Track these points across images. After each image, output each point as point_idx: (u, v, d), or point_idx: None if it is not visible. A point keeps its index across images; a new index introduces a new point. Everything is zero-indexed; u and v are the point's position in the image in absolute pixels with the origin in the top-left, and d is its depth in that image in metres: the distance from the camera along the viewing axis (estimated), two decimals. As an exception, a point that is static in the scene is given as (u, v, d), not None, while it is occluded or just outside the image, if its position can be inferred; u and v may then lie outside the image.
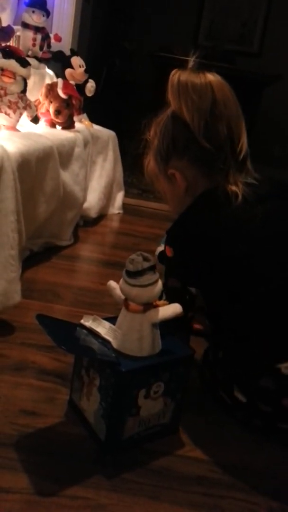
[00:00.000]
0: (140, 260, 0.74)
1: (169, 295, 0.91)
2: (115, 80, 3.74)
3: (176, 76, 0.91)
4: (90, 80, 2.04)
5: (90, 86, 2.03)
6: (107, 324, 0.79)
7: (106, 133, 2.05)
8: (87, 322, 0.79)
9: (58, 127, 1.68)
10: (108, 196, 2.07)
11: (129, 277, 0.74)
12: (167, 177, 0.92)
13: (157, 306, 0.77)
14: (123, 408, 0.71)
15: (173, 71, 0.92)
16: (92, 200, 1.89)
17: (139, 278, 0.73)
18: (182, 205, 0.91)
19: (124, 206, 2.24)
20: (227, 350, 0.86)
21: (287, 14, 3.55)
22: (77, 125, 1.79)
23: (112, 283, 0.81)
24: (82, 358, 0.79)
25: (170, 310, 0.77)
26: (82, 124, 1.91)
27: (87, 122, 2.00)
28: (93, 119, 2.15)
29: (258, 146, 3.98)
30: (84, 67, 1.99)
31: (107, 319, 0.81)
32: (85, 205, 1.83)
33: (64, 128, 1.68)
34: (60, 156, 1.44)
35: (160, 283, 0.75)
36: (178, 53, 3.98)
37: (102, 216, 2.06)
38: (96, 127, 2.04)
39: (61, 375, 0.90)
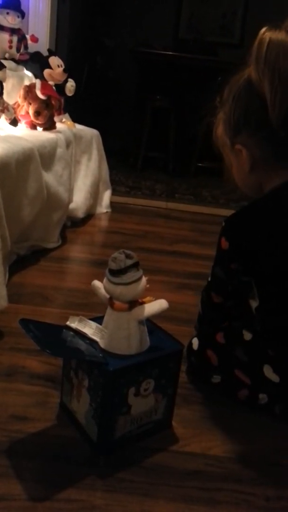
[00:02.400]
0: (123, 258, 0.73)
1: (213, 285, 0.90)
2: (98, 78, 3.72)
3: (266, 36, 0.70)
4: (70, 80, 2.02)
5: (70, 85, 2.01)
6: (93, 324, 0.79)
7: (89, 132, 2.04)
8: (73, 323, 0.78)
9: (39, 129, 1.67)
10: (95, 196, 2.06)
11: (112, 276, 0.73)
12: (232, 149, 0.84)
13: (143, 302, 0.77)
14: (113, 407, 0.71)
15: (263, 30, 0.72)
16: (79, 200, 1.88)
17: (122, 276, 0.73)
18: (245, 182, 0.87)
19: (112, 204, 2.23)
20: (265, 329, 0.85)
21: (266, 3, 3.53)
22: (59, 125, 1.77)
23: (96, 283, 0.80)
24: (71, 360, 0.78)
25: (156, 306, 0.77)
26: (63, 124, 1.90)
27: (69, 122, 1.99)
28: (77, 118, 2.14)
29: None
30: (63, 67, 1.97)
31: (93, 319, 0.80)
32: (72, 205, 1.82)
33: (45, 129, 1.67)
34: (41, 157, 1.43)
35: (144, 279, 0.75)
36: (158, 48, 4.00)
37: (90, 215, 2.05)
38: (79, 126, 2.03)
39: (52, 378, 0.89)
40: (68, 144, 1.71)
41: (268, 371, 0.83)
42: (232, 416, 0.85)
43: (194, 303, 1.32)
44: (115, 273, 0.73)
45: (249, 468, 0.74)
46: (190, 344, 0.95)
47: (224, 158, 0.90)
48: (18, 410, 0.81)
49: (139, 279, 0.74)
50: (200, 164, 3.41)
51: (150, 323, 0.82)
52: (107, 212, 2.16)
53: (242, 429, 0.82)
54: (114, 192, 2.36)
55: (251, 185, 0.88)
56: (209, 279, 0.90)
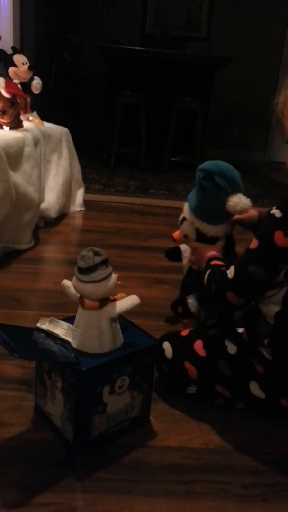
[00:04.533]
0: (91, 255, 0.72)
1: (238, 286, 0.77)
2: (66, 76, 3.68)
3: None
4: (36, 77, 1.99)
5: (36, 83, 1.98)
6: (65, 324, 0.77)
7: (58, 130, 2.01)
8: (44, 324, 0.77)
9: (6, 128, 1.64)
10: (67, 194, 2.03)
11: (82, 274, 0.72)
12: None
13: (114, 299, 0.76)
14: (88, 407, 0.70)
15: None
16: (51, 199, 1.86)
17: (91, 274, 0.72)
18: None
19: (86, 202, 2.22)
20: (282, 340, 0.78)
21: (230, -4, 3.56)
22: (26, 124, 1.74)
23: (66, 282, 0.79)
24: (43, 362, 0.77)
25: (127, 302, 0.76)
26: (31, 123, 1.87)
27: (37, 120, 1.96)
28: (47, 118, 2.10)
29: (216, 129, 3.99)
30: (28, 64, 1.94)
31: (65, 319, 0.79)
32: (44, 205, 1.79)
33: (11, 128, 1.63)
34: (8, 157, 1.40)
35: (113, 276, 0.74)
36: (125, 43, 3.95)
37: (63, 215, 2.02)
38: (48, 124, 2.00)
39: (26, 382, 0.88)
40: (36, 143, 1.68)
41: (254, 388, 0.79)
42: (209, 408, 0.85)
43: (169, 297, 1.32)
44: (84, 271, 0.72)
45: (226, 458, 0.74)
46: (161, 349, 0.87)
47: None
48: (-8, 416, 0.79)
49: (109, 276, 0.73)
50: (172, 159, 3.41)
51: (124, 319, 0.82)
52: (80, 210, 2.14)
53: (219, 420, 0.83)
54: (87, 190, 2.34)
55: None
56: (230, 277, 0.77)
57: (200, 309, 1.01)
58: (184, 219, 1.00)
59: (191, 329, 0.92)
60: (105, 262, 0.73)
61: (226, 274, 0.78)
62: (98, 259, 0.72)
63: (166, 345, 0.87)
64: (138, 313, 1.16)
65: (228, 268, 0.79)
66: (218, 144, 3.87)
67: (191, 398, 0.86)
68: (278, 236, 0.71)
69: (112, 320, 0.75)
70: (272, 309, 0.78)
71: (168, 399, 0.87)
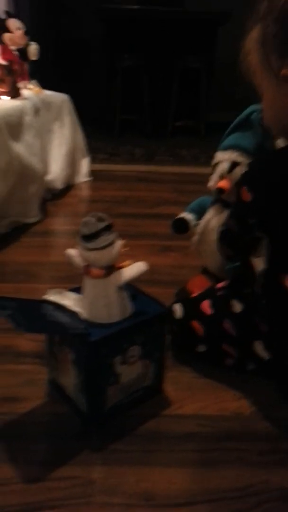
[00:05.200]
0: (94, 221, 0.69)
1: (227, 239, 0.83)
2: (64, 42, 3.54)
3: None
4: (32, 43, 1.90)
5: (33, 48, 1.90)
6: (73, 295, 0.75)
7: (58, 98, 1.94)
8: (52, 296, 0.74)
9: (4, 97, 1.58)
10: (72, 165, 1.98)
11: (85, 241, 0.69)
12: (275, 77, 0.66)
13: (121, 267, 0.73)
14: (100, 378, 0.68)
15: None
16: (55, 170, 1.81)
17: (95, 240, 0.68)
18: (280, 118, 0.71)
19: (92, 172, 2.16)
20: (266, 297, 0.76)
21: None
22: (24, 92, 1.68)
23: (70, 251, 0.76)
24: (54, 334, 0.75)
25: (134, 269, 0.73)
26: (30, 91, 1.80)
27: (36, 88, 1.88)
28: (48, 86, 2.02)
29: (219, 90, 3.83)
30: (23, 29, 1.85)
31: (73, 289, 0.77)
32: (49, 177, 1.75)
33: (9, 97, 1.57)
34: (8, 127, 1.35)
35: (118, 242, 0.71)
36: (122, 3, 3.77)
37: (69, 186, 1.98)
38: (47, 92, 1.93)
39: (39, 355, 0.86)
40: (36, 111, 1.62)
41: (258, 348, 0.77)
42: (224, 374, 0.83)
43: (178, 265, 1.29)
44: (88, 238, 0.68)
45: (242, 425, 0.72)
46: (171, 311, 0.89)
47: (255, 86, 0.74)
48: (7, 391, 0.78)
49: (113, 242, 0.69)
50: (177, 123, 3.31)
51: (132, 288, 0.79)
52: (87, 181, 2.09)
53: (234, 386, 0.81)
54: (93, 160, 2.28)
55: None
56: (222, 229, 0.84)
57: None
58: (234, 165, 0.97)
59: (202, 290, 0.90)
60: (108, 228, 0.70)
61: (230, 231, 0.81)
62: (101, 225, 0.69)
63: (177, 307, 0.89)
64: (147, 282, 1.13)
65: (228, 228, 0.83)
66: (222, 106, 3.73)
67: (202, 360, 0.85)
68: (244, 191, 0.72)
69: (120, 288, 0.72)
70: (257, 265, 0.78)
71: (181, 367, 0.85)
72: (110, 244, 0.69)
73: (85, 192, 2.01)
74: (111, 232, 0.70)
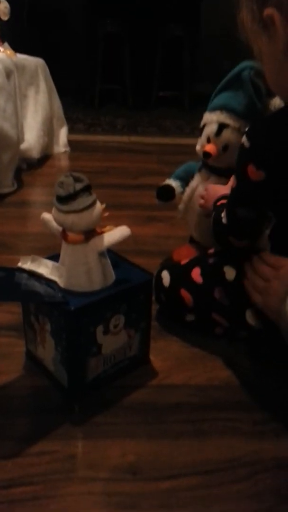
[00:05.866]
0: (71, 181, 0.63)
1: (234, 230, 0.71)
2: (41, 1, 3.34)
3: None
4: (2, 1, 1.78)
5: (4, 7, 1.77)
6: (49, 262, 0.69)
7: (33, 62, 1.83)
8: (25, 264, 0.69)
9: (-27, 59, 1.47)
10: (49, 133, 1.89)
11: (61, 204, 0.63)
12: (262, 24, 0.60)
13: (102, 233, 0.68)
14: (81, 349, 0.63)
15: None
16: (31, 138, 1.72)
17: (72, 202, 0.62)
18: (279, 71, 0.62)
19: (71, 143, 2.07)
20: None
21: None
22: (-4, 54, 1.57)
23: (45, 215, 0.70)
24: (29, 305, 0.70)
25: (117, 234, 0.68)
26: (2, 54, 1.68)
27: (8, 51, 1.77)
28: (21, 48, 1.90)
29: (205, 59, 3.72)
30: (-9, -15, 1.72)
31: (49, 257, 0.71)
32: (24, 145, 1.66)
33: (-21, 58, 1.47)
34: (-23, 89, 1.26)
35: (99, 205, 0.65)
36: None
37: (46, 156, 1.89)
38: (21, 56, 1.81)
39: (15, 327, 0.81)
40: (8, 74, 1.52)
41: (250, 317, 0.72)
42: (212, 343, 0.80)
43: (164, 235, 1.25)
44: (64, 199, 0.62)
45: (234, 394, 0.69)
46: (159, 278, 0.84)
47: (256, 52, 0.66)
48: (-20, 365, 0.73)
49: (93, 204, 0.64)
50: (160, 94, 3.21)
51: (115, 255, 0.74)
52: (65, 151, 2.01)
53: (224, 354, 0.77)
54: (72, 131, 2.19)
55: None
56: (225, 222, 0.71)
57: None
58: (222, 127, 0.91)
59: (191, 258, 0.85)
60: (87, 189, 0.64)
61: (221, 219, 0.71)
62: (79, 186, 0.63)
63: (165, 274, 0.84)
64: (132, 252, 1.08)
65: (223, 211, 0.71)
66: (208, 77, 3.62)
67: (191, 330, 0.81)
68: (251, 170, 0.62)
69: (101, 254, 0.66)
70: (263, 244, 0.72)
71: (168, 336, 0.81)
72: (90, 206, 0.63)
73: (63, 163, 1.93)
74: (90, 193, 0.64)
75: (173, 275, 0.83)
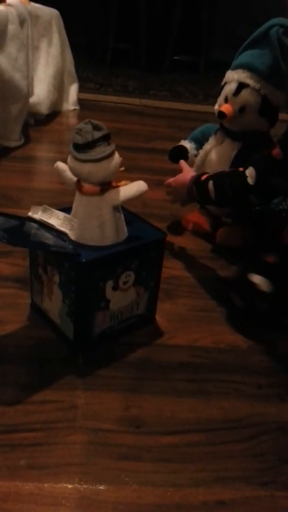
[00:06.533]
0: (90, 129, 0.60)
1: (265, 193, 0.76)
2: None
3: None
4: None
5: None
6: (61, 214, 0.67)
7: (47, 12, 1.74)
8: (36, 214, 0.67)
9: (-15, 1, 1.39)
10: (59, 89, 1.82)
11: (79, 152, 0.60)
12: None
13: (117, 187, 0.65)
14: (89, 303, 0.62)
15: None
16: (41, 93, 1.66)
17: (90, 151, 0.60)
18: None
19: (81, 102, 2.00)
20: None
21: None
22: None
23: (60, 164, 0.68)
24: (38, 255, 0.68)
25: (133, 188, 0.66)
26: (16, -1, 1.60)
27: (22, -3, 1.68)
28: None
29: (222, 26, 3.55)
30: None
31: (61, 209, 0.69)
32: (33, 99, 1.60)
33: (-9, 1, 1.39)
34: (-11, 33, 1.20)
35: (117, 156, 0.63)
36: None
37: (55, 113, 1.83)
38: (35, 4, 1.72)
39: (21, 280, 0.80)
40: (22, 22, 1.45)
41: None
42: (219, 308, 0.79)
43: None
44: (82, 147, 0.60)
45: (239, 358, 0.69)
46: (251, 283, 0.73)
47: None
48: (-16, 313, 0.72)
49: (111, 154, 0.61)
50: (175, 58, 3.09)
51: (129, 212, 0.72)
52: (74, 109, 1.94)
53: (231, 320, 0.77)
54: (82, 89, 2.11)
55: None
56: (252, 182, 0.75)
57: None
58: (242, 87, 0.88)
59: (272, 255, 0.78)
60: (106, 138, 0.61)
61: (246, 179, 0.75)
62: (97, 134, 0.60)
63: (258, 278, 0.74)
64: (141, 215, 1.06)
65: (245, 172, 0.75)
66: (225, 44, 3.48)
67: (201, 300, 0.80)
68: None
69: (116, 209, 0.64)
70: None
71: (175, 299, 0.80)
72: (108, 156, 0.61)
73: (72, 121, 1.87)
74: (109, 143, 0.61)
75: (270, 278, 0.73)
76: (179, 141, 1.09)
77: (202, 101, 2.38)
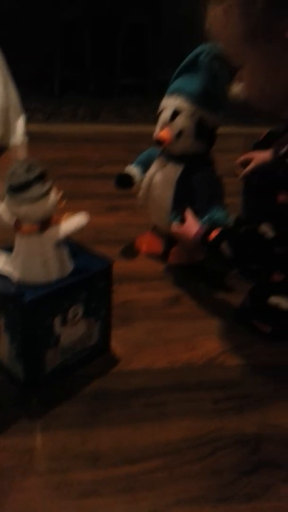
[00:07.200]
0: (24, 170, 0.62)
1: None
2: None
3: None
4: None
5: None
6: (2, 254, 0.68)
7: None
8: (-23, 257, 0.67)
9: None
10: (5, 124, 1.83)
11: (14, 194, 0.61)
12: (267, 41, 0.61)
13: (58, 221, 0.66)
14: (37, 342, 0.63)
15: None
16: (-13, 130, 1.66)
17: (26, 192, 0.61)
18: (274, 83, 0.66)
19: (30, 133, 2.01)
20: None
21: None
22: None
23: (-2, 206, 0.68)
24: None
25: (74, 222, 0.67)
26: None
27: None
28: None
29: (170, 49, 3.69)
30: None
31: (4, 248, 0.69)
32: (-20, 137, 1.60)
33: None
34: None
35: (54, 193, 0.64)
36: None
37: (2, 148, 1.84)
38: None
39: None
40: None
41: None
42: (173, 327, 0.81)
43: (125, 223, 1.24)
44: (17, 189, 0.61)
45: (195, 375, 0.71)
46: (272, 306, 0.77)
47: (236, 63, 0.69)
48: None
49: (48, 193, 0.63)
50: (123, 82, 3.17)
51: (74, 244, 0.73)
52: (23, 142, 1.95)
53: (185, 337, 0.79)
54: (30, 121, 2.12)
55: (285, 93, 0.66)
56: (272, 234, 0.71)
57: None
58: (177, 113, 0.91)
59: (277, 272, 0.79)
60: (41, 177, 0.62)
61: (263, 235, 0.71)
62: (32, 175, 0.61)
63: (277, 300, 0.78)
64: (94, 241, 1.07)
65: (260, 229, 0.71)
66: (171, 63, 3.59)
67: (156, 321, 0.82)
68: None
69: (58, 244, 0.66)
70: None
71: (130, 323, 0.82)
72: (44, 195, 0.62)
73: (21, 154, 1.88)
74: (45, 181, 0.63)
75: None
76: (131, 163, 1.11)
77: (152, 122, 2.43)
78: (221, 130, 0.97)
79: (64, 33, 2.98)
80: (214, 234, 0.79)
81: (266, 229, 0.70)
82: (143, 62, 3.17)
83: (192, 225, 0.86)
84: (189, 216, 0.88)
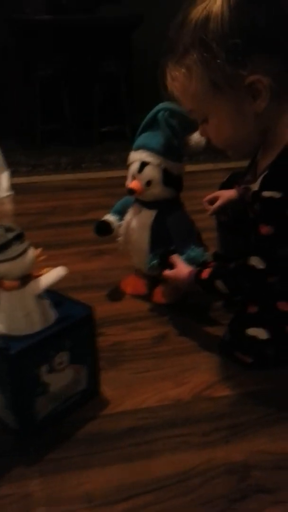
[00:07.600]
0: (2, 232, 0.67)
1: (278, 267, 0.75)
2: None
3: None
4: None
5: None
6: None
7: None
8: None
9: None
10: (-9, 181, 1.92)
11: (-5, 253, 0.66)
12: (232, 90, 0.67)
13: (38, 275, 0.71)
14: (26, 391, 0.66)
15: None
16: (-28, 188, 1.74)
17: (5, 252, 0.66)
18: (246, 133, 0.72)
19: (14, 186, 2.10)
20: None
21: None
22: None
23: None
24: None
25: (52, 275, 0.71)
26: None
27: None
28: None
29: (141, 93, 3.88)
30: None
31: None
32: None
33: None
34: None
35: (32, 250, 0.69)
36: (30, 13, 3.66)
37: (-10, 203, 1.92)
38: None
39: None
40: None
41: None
42: (161, 365, 0.84)
43: (111, 267, 1.28)
44: (-3, 249, 0.66)
45: (183, 410, 0.73)
46: (251, 337, 0.80)
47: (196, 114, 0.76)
48: None
49: (25, 251, 0.68)
50: (102, 129, 3.31)
51: (56, 294, 0.77)
52: (8, 195, 2.03)
53: (173, 374, 0.82)
54: (15, 174, 2.22)
55: (253, 135, 0.73)
56: (262, 266, 0.74)
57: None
58: (144, 165, 0.98)
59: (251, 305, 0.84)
60: (19, 237, 0.68)
61: (253, 267, 0.75)
62: (10, 235, 0.67)
63: (256, 331, 0.80)
64: (80, 287, 1.12)
65: (250, 263, 0.75)
66: (147, 107, 3.76)
67: (143, 360, 0.85)
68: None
69: (39, 297, 0.70)
70: None
71: (119, 365, 0.85)
72: (22, 253, 0.67)
73: (7, 207, 1.95)
74: (23, 241, 0.68)
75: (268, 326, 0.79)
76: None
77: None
78: (205, 167, 1.05)
79: (42, 88, 3.15)
80: (206, 272, 0.83)
81: (256, 262, 0.74)
82: (120, 110, 3.34)
83: (182, 267, 0.91)
84: (177, 259, 0.93)
